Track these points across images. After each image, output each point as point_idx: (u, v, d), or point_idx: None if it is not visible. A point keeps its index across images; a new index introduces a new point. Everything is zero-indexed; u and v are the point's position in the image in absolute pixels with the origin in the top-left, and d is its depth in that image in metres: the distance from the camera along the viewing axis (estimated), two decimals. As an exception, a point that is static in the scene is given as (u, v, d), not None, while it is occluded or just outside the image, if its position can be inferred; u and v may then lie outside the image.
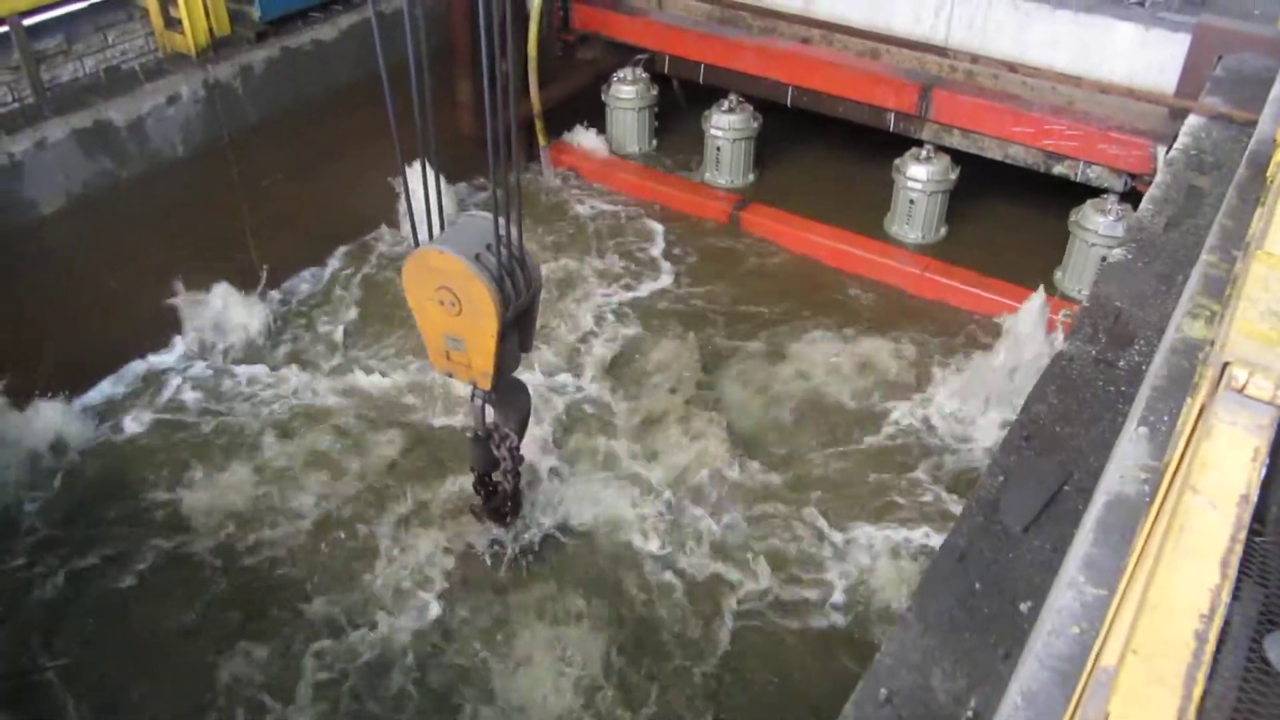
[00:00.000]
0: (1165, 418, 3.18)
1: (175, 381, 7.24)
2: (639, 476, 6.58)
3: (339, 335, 7.78)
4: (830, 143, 9.80)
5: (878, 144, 8.89)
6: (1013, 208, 8.97)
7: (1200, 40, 7.11)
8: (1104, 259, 6.35)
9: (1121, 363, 4.24)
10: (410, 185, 4.79)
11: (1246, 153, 4.94)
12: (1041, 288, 7.23)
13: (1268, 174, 4.18)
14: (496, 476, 5.82)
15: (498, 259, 4.71)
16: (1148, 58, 7.47)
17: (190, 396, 7.15)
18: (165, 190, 7.07)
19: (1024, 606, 3.21)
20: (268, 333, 7.70)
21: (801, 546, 6.18)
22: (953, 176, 8.59)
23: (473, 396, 5.36)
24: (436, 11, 8.57)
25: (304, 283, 8.30)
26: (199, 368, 7.38)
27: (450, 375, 5.22)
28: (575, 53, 9.95)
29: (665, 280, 8.60)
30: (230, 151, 7.43)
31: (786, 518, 6.35)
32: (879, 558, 6.10)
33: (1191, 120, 6.32)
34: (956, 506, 6.26)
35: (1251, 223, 3.82)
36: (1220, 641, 1.72)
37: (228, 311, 7.52)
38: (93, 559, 5.98)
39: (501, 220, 4.58)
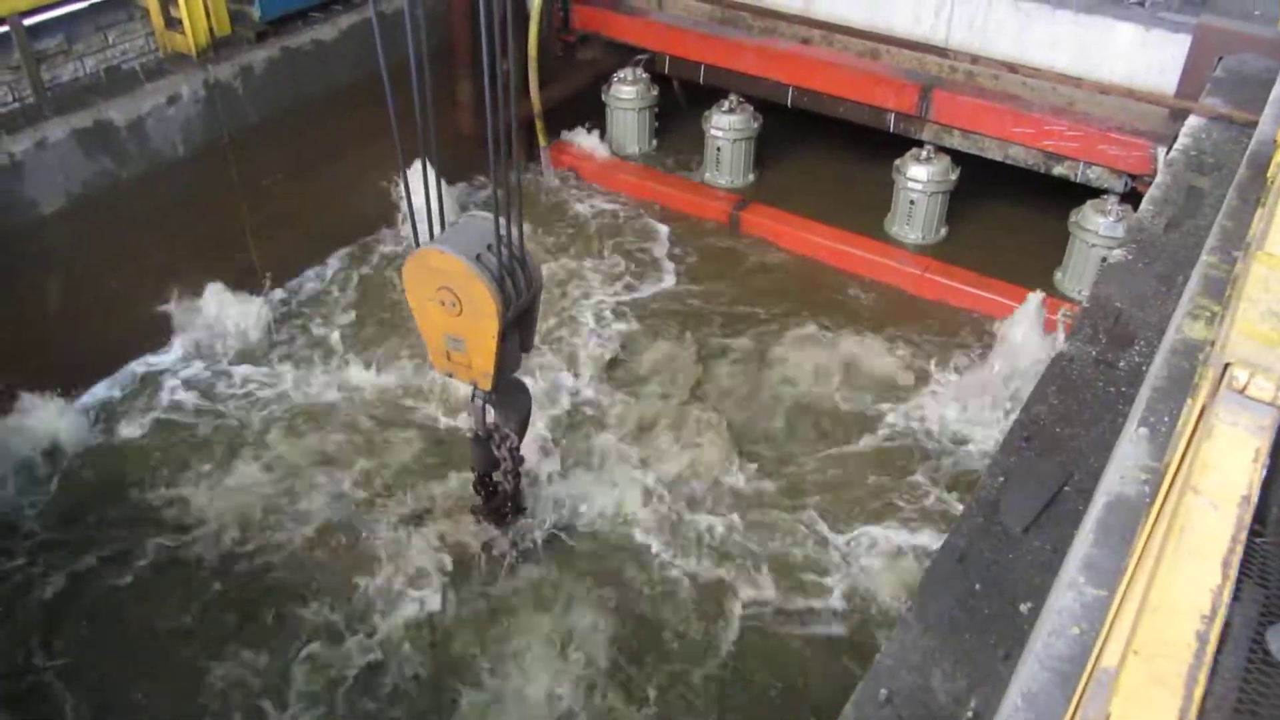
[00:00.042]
0: (1166, 418, 3.18)
1: (174, 382, 7.23)
2: (639, 477, 6.57)
3: (338, 336, 7.77)
4: (830, 143, 9.79)
5: (878, 144, 8.88)
6: (1013, 208, 8.97)
7: (1200, 41, 7.11)
8: (1104, 260, 6.33)
9: (1122, 363, 4.24)
10: (411, 185, 4.79)
11: (1247, 153, 4.94)
12: (1039, 291, 7.22)
13: (1268, 175, 4.18)
14: (497, 477, 5.82)
15: (498, 259, 4.71)
16: (1148, 58, 7.47)
17: (189, 397, 7.14)
18: (165, 190, 7.07)
19: (1024, 607, 3.21)
20: (267, 333, 7.69)
21: (802, 547, 6.17)
22: (953, 177, 8.59)
23: (473, 397, 5.36)
24: (437, 11, 8.56)
25: (304, 283, 8.29)
26: (198, 368, 7.37)
27: (451, 375, 5.22)
28: (575, 53, 9.95)
29: (665, 280, 8.60)
30: (230, 151, 7.42)
31: (786, 519, 6.35)
32: (880, 558, 6.09)
33: (1192, 121, 6.32)
34: (957, 507, 6.26)
35: (1252, 224, 3.82)
36: (1221, 642, 1.72)
37: (227, 312, 7.51)
38: (91, 560, 5.98)
39: (502, 220, 4.58)
